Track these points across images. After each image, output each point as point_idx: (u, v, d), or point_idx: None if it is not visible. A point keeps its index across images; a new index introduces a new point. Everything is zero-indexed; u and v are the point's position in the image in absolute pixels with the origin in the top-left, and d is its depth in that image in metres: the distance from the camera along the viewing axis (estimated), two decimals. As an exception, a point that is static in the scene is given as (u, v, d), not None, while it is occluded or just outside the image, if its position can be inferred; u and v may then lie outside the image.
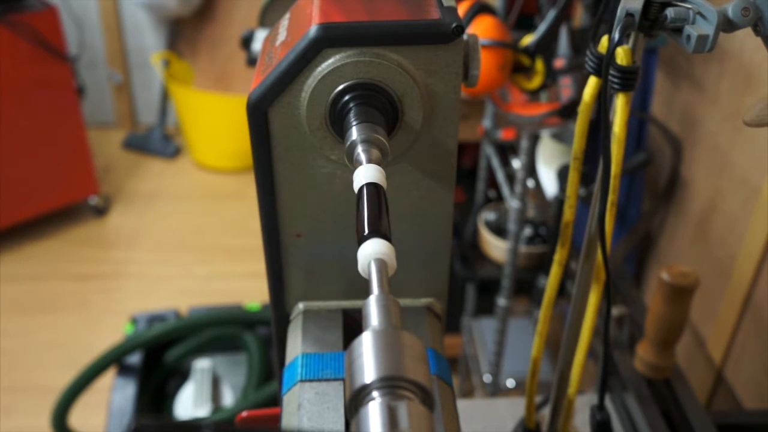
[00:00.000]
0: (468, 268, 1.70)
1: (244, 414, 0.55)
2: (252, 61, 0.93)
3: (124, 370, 1.62)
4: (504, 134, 1.61)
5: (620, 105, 0.54)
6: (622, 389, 0.90)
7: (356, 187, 0.39)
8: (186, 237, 2.62)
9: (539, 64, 1.04)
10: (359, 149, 0.41)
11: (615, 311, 1.04)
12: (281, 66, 0.45)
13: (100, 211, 2.63)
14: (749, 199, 1.15)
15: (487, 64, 0.98)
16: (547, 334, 0.69)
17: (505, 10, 1.46)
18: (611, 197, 0.56)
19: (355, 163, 0.41)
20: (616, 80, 0.53)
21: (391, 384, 0.29)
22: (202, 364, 1.73)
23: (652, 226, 1.53)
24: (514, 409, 0.94)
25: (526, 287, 1.66)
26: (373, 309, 0.33)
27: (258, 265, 1.87)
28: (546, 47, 1.04)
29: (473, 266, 1.70)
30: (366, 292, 0.35)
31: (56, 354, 2.12)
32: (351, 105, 0.45)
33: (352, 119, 0.44)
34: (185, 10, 2.66)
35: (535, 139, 1.44)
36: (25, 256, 2.49)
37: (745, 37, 0.68)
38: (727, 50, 1.20)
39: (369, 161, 0.41)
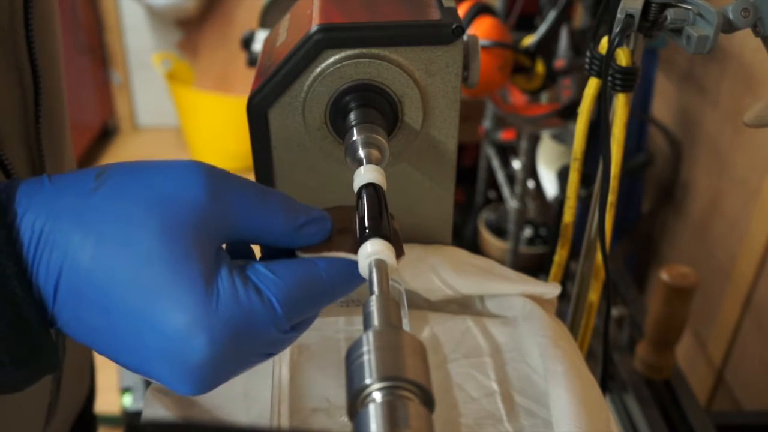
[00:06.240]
0: (468, 269, 1.69)
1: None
2: (252, 62, 0.93)
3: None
4: (504, 135, 1.61)
5: (620, 106, 0.54)
6: (622, 390, 0.90)
7: (356, 188, 0.39)
8: (186, 237, 2.62)
9: (539, 65, 1.04)
10: (359, 150, 0.41)
11: (615, 311, 1.04)
12: (281, 67, 0.45)
13: None
14: (749, 200, 1.15)
15: (487, 64, 0.97)
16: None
17: (505, 11, 1.45)
18: (611, 198, 0.56)
19: (355, 164, 0.41)
20: (615, 81, 0.53)
21: (392, 384, 0.29)
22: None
23: (652, 226, 1.53)
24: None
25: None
26: (373, 309, 0.33)
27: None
28: (546, 48, 1.04)
29: (473, 267, 1.69)
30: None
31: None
32: (351, 106, 0.45)
33: (352, 120, 0.44)
34: (191, 11, 2.66)
35: (535, 140, 1.44)
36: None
37: (746, 38, 0.68)
38: (727, 51, 1.20)
39: (369, 162, 0.41)
